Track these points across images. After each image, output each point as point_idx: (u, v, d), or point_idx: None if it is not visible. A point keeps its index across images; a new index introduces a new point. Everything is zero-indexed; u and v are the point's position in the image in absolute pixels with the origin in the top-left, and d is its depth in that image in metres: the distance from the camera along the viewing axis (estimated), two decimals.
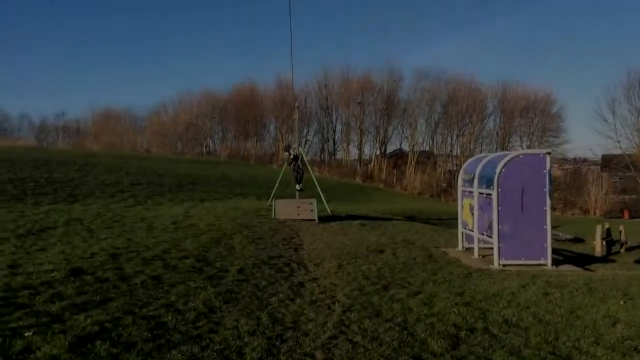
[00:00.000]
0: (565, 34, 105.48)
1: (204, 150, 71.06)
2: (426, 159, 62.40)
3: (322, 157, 67.76)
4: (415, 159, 61.35)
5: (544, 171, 9.58)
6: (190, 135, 72.77)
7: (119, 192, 18.99)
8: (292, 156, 17.13)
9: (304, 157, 19.50)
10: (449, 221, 23.13)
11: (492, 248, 9.85)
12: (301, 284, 7.73)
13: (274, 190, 18.67)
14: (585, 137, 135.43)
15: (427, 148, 66.42)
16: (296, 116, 22.11)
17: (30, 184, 18.05)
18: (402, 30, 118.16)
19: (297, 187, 17.04)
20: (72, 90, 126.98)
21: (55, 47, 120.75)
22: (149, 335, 5.07)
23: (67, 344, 4.65)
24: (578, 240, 21.20)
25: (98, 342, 4.76)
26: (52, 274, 6.94)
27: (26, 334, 4.81)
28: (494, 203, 9.58)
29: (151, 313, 5.78)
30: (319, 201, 17.28)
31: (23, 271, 7.04)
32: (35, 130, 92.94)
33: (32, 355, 4.39)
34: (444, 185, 57.58)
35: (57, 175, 20.98)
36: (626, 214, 46.34)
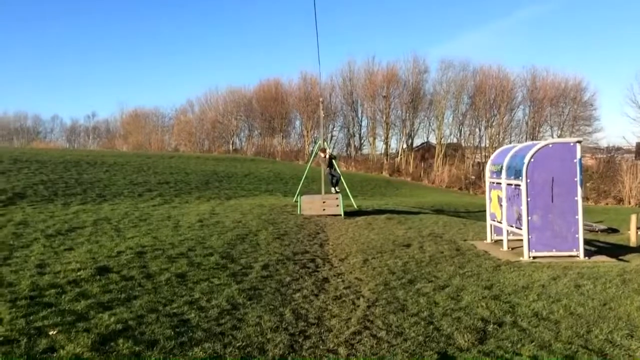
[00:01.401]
0: (595, 20, 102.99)
1: (231, 147, 71.58)
2: (454, 151, 61.67)
3: (348, 152, 67.62)
4: (442, 152, 60.72)
5: (575, 160, 9.30)
6: (217, 133, 73.45)
7: (146, 192, 19.23)
8: (327, 157, 16.87)
9: (331, 152, 19.45)
10: (478, 213, 22.82)
11: (521, 240, 9.61)
12: (325, 280, 7.66)
13: (299, 187, 18.67)
14: (619, 125, 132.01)
15: (455, 140, 65.70)
16: (322, 112, 22.06)
17: (61, 185, 18.39)
18: (427, 20, 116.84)
19: (333, 190, 16.87)
20: (102, 91, 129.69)
21: (84, 48, 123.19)
22: (172, 332, 5.06)
23: (90, 342, 4.67)
24: (612, 230, 20.67)
25: (121, 341, 4.77)
26: (79, 273, 7.01)
27: (51, 333, 4.85)
28: (523, 194, 9.35)
29: (174, 310, 5.78)
30: (345, 196, 17.21)
31: (50, 270, 7.14)
32: (66, 131, 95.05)
33: (55, 354, 4.42)
34: (473, 177, 56.80)
35: (86, 176, 21.35)
36: None
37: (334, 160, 17.13)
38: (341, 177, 17.41)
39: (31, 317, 5.25)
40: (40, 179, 19.21)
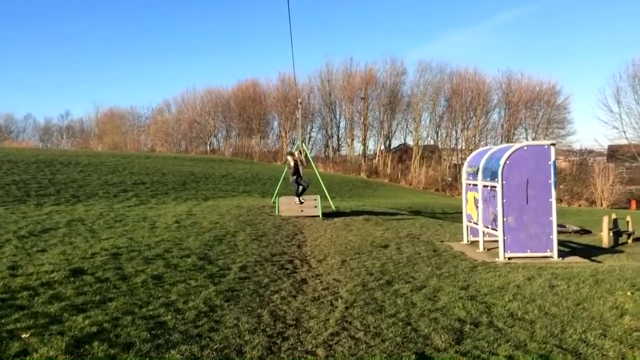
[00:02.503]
0: (569, 24, 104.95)
1: (208, 148, 71.10)
2: (431, 153, 62.24)
3: (326, 153, 67.72)
4: (419, 154, 61.20)
5: (549, 162, 9.44)
6: (194, 134, 72.89)
7: (122, 192, 18.98)
8: (294, 162, 15.54)
9: (309, 154, 19.30)
10: (454, 215, 23.04)
11: (497, 241, 9.74)
12: (304, 281, 7.65)
13: (277, 188, 18.62)
14: (591, 128, 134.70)
15: (432, 142, 66.28)
16: (299, 114, 22.04)
17: (33, 185, 18.05)
18: (405, 22, 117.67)
19: (297, 200, 15.70)
20: (76, 91, 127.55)
21: (58, 47, 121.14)
22: (148, 335, 5.00)
23: (64, 345, 4.58)
24: (585, 231, 21.04)
25: (96, 343, 4.69)
26: (52, 275, 6.88)
27: (23, 336, 4.75)
28: (499, 195, 9.47)
29: (151, 313, 5.71)
30: (323, 197, 17.21)
31: (23, 272, 6.98)
32: (39, 131, 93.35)
33: (28, 358, 4.32)
34: (449, 179, 57.41)
35: (60, 177, 20.99)
36: (633, 204, 46.11)
37: (300, 167, 15.71)
38: (308, 185, 16.00)
39: (3, 320, 5.13)
40: (12, 179, 18.83)
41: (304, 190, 15.90)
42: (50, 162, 25.70)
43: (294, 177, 15.75)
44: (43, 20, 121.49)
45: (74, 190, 18.16)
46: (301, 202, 15.66)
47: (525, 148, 9.58)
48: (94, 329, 5.06)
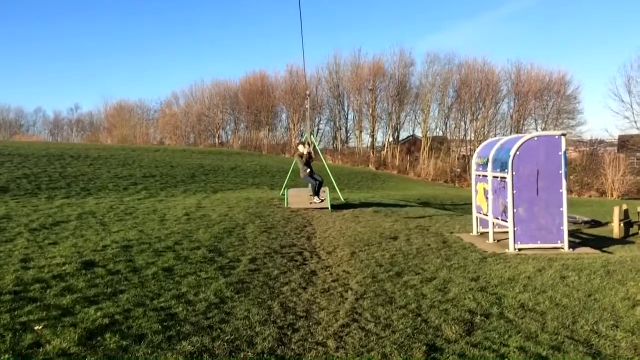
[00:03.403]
0: (579, 14, 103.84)
1: (217, 141, 71.22)
2: (439, 144, 62.00)
3: (334, 145, 67.66)
4: (428, 145, 60.98)
5: (560, 153, 9.37)
6: (203, 127, 73.03)
7: (132, 185, 19.08)
8: (306, 153, 14.90)
9: (317, 146, 19.24)
10: (464, 206, 22.95)
11: (507, 232, 9.69)
12: (313, 273, 7.66)
13: (286, 180, 18.63)
14: (602, 118, 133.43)
15: (440, 133, 66.01)
16: (307, 105, 22.00)
17: (44, 178, 18.18)
18: (414, 13, 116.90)
19: (316, 199, 14.93)
20: (85, 84, 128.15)
21: (67, 41, 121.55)
22: (159, 326, 5.03)
23: (76, 337, 4.62)
24: (595, 222, 20.89)
25: (108, 335, 4.73)
26: (64, 267, 6.93)
27: (36, 328, 4.80)
28: (509, 186, 9.41)
29: (162, 304, 5.74)
30: (332, 189, 17.20)
31: (35, 265, 7.05)
32: (49, 124, 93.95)
33: (41, 349, 4.37)
34: (458, 170, 57.14)
35: (70, 170, 21.12)
36: None
37: (311, 154, 15.09)
38: (323, 181, 15.22)
39: (16, 312, 5.19)
40: (23, 172, 18.97)
41: (320, 185, 15.08)
42: (61, 155, 25.87)
43: (307, 170, 14.83)
44: (52, 14, 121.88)
45: (84, 183, 18.27)
46: (321, 200, 14.88)
47: (536, 138, 9.51)
48: (106, 320, 5.10)
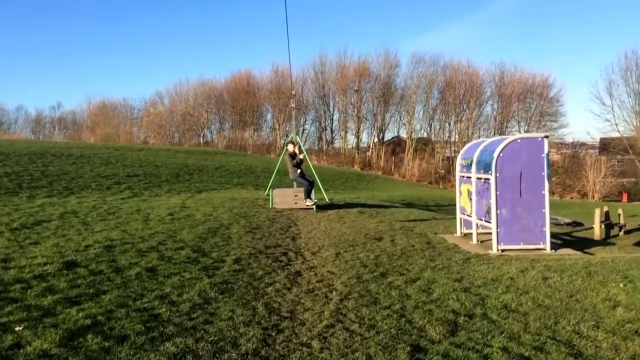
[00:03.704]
0: (562, 17, 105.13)
1: (201, 140, 70.85)
2: (424, 145, 62.36)
3: (319, 145, 67.72)
4: (413, 146, 61.27)
5: (542, 155, 9.47)
6: (187, 126, 72.63)
7: (115, 184, 18.90)
8: (296, 153, 14.56)
9: (302, 146, 19.21)
10: (448, 207, 23.10)
11: (490, 233, 9.77)
12: (298, 273, 7.65)
13: (271, 180, 18.58)
14: (583, 121, 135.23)
15: (425, 135, 66.36)
16: (293, 105, 21.97)
17: (25, 177, 17.93)
18: (399, 13, 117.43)
19: (309, 201, 14.55)
20: (68, 82, 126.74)
21: (51, 38, 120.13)
22: (143, 327, 4.98)
23: (58, 338, 4.56)
24: (577, 224, 21.15)
25: (90, 336, 4.67)
26: (45, 267, 6.84)
27: (17, 329, 4.72)
28: (492, 188, 9.49)
29: (145, 305, 5.69)
30: (317, 190, 17.19)
31: (16, 265, 6.94)
32: (31, 122, 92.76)
33: (22, 350, 4.30)
34: (442, 171, 57.56)
35: (52, 169, 20.86)
36: (625, 197, 46.44)
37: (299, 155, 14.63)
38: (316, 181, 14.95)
39: None
40: (4, 171, 18.69)
41: (312, 186, 14.70)
42: (43, 154, 25.54)
43: (298, 171, 14.40)
44: (34, 10, 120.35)
45: (67, 182, 18.06)
46: (314, 203, 14.60)
47: (519, 140, 9.60)
48: (88, 321, 5.04)
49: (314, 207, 14.84)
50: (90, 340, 4.59)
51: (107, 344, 4.55)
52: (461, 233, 11.58)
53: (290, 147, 14.75)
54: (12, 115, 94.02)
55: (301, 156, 14.78)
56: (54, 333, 4.67)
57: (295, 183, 15.56)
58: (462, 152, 11.85)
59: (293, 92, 22.84)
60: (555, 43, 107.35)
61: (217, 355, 4.47)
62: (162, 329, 5.00)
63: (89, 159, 25.97)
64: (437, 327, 5.27)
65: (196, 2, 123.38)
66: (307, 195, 14.49)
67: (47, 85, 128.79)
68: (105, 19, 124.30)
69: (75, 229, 9.93)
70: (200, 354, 4.48)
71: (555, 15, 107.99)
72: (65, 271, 6.76)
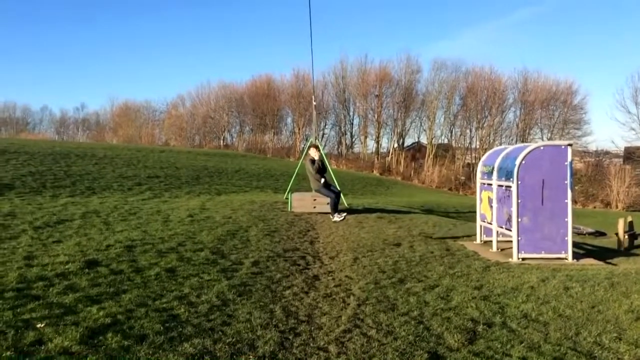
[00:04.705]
0: (588, 23, 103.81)
1: (222, 143, 71.32)
2: (444, 151, 61.94)
3: (339, 150, 67.67)
4: (433, 152, 60.94)
5: (566, 163, 9.35)
6: (208, 129, 73.19)
7: (136, 185, 19.11)
8: (318, 159, 13.06)
9: (322, 150, 19.23)
10: (467, 214, 22.89)
11: (511, 241, 9.66)
12: (316, 277, 7.65)
13: (290, 184, 18.63)
14: (608, 129, 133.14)
15: (446, 141, 65.94)
16: (314, 111, 22.01)
17: (49, 176, 18.23)
18: (421, 19, 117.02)
19: (337, 217, 12.75)
20: (92, 83, 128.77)
21: (76, 40, 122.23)
22: (161, 327, 5.03)
23: (78, 336, 4.62)
24: (600, 233, 20.83)
25: (110, 334, 4.73)
26: (67, 266, 6.95)
27: (38, 326, 4.80)
28: (514, 195, 9.39)
29: (164, 305, 5.74)
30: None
31: (38, 263, 7.06)
32: (55, 123, 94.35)
33: (43, 347, 4.37)
34: (462, 178, 57.13)
35: (75, 169, 21.18)
36: None
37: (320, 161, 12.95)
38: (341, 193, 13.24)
39: (18, 310, 5.19)
40: (29, 170, 19.03)
41: (338, 198, 13.07)
42: (66, 154, 25.93)
43: (322, 180, 12.82)
44: (60, 13, 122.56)
45: (89, 182, 18.32)
46: (343, 218, 12.61)
47: (542, 148, 9.49)
48: (108, 320, 5.10)
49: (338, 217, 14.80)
50: (110, 339, 4.64)
51: (126, 342, 4.60)
52: (481, 240, 11.47)
53: (313, 153, 12.95)
54: (37, 116, 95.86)
55: (316, 156, 12.94)
56: (75, 331, 4.73)
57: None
58: (483, 158, 11.74)
59: (315, 102, 22.88)
60: (581, 50, 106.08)
61: (234, 357, 4.49)
62: (180, 329, 5.03)
63: (112, 160, 26.31)
64: (455, 335, 5.22)
65: (219, 6, 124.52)
66: (334, 209, 12.48)
67: (71, 86, 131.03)
68: (130, 22, 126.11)
69: (96, 228, 10.06)
70: (218, 355, 4.50)
71: (581, 21, 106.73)
72: (87, 270, 6.85)
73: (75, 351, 4.34)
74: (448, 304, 6.39)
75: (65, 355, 4.26)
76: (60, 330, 4.75)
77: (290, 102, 67.80)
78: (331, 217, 12.15)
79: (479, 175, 11.61)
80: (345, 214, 12.17)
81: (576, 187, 47.66)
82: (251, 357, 4.52)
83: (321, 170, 12.44)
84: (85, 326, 4.87)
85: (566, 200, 9.36)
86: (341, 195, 14.39)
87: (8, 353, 4.20)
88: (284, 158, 57.69)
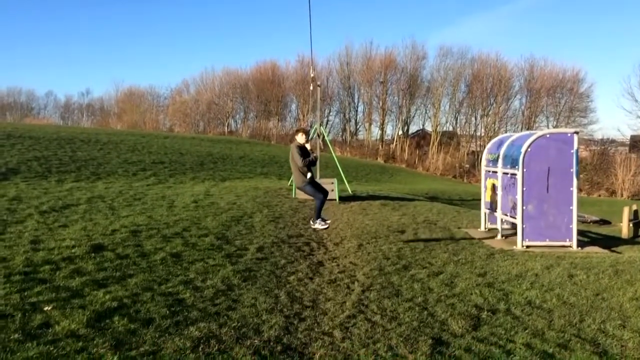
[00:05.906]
0: (595, 10, 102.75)
1: (226, 129, 71.24)
2: (449, 139, 61.69)
3: (343, 137, 67.47)
4: (437, 140, 60.72)
5: (572, 151, 9.31)
6: (212, 115, 73.04)
7: (141, 171, 19.15)
8: (308, 143, 9.04)
9: (326, 136, 19.11)
10: (472, 202, 22.88)
11: (515, 229, 9.66)
12: (320, 263, 7.68)
13: None
14: (614, 117, 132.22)
15: (450, 128, 65.59)
16: (318, 95, 21.90)
17: (54, 161, 18.28)
18: (426, 5, 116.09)
19: (319, 223, 8.86)
20: (96, 69, 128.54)
21: (81, 25, 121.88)
22: (167, 311, 5.07)
23: (85, 319, 4.67)
24: (604, 222, 20.79)
25: (116, 318, 4.77)
26: (73, 250, 6.99)
27: (46, 309, 4.85)
28: (519, 183, 9.36)
29: (170, 290, 5.78)
30: (340, 181, 17.19)
31: (45, 247, 7.11)
32: (60, 108, 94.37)
33: (50, 330, 4.41)
34: (467, 166, 56.93)
35: (80, 154, 21.22)
36: None
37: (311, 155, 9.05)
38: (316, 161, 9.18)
39: (26, 293, 5.24)
40: (34, 155, 19.09)
41: (325, 198, 9.13)
42: (71, 139, 25.97)
43: (308, 175, 8.99)
44: None
45: (94, 167, 18.36)
46: (327, 227, 9.22)
47: (548, 136, 9.45)
48: (115, 304, 5.14)
49: (337, 199, 14.80)
50: (116, 322, 4.68)
51: (133, 326, 4.63)
52: (485, 228, 11.47)
53: (300, 138, 9.11)
54: (41, 101, 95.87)
55: (303, 141, 9.20)
56: (82, 314, 4.77)
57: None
58: (488, 146, 11.70)
59: (317, 81, 22.67)
60: (588, 37, 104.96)
61: (240, 341, 4.52)
62: (186, 313, 5.07)
63: (116, 145, 26.33)
64: (459, 321, 5.24)
65: None
66: (318, 214, 9.12)
67: (76, 71, 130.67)
68: (134, 7, 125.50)
69: (102, 213, 10.10)
70: (224, 339, 4.53)
71: (588, 9, 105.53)
72: (93, 254, 6.90)
73: (82, 334, 4.38)
74: (452, 290, 6.41)
75: (73, 338, 4.30)
76: (67, 313, 4.79)
77: (294, 89, 67.49)
78: (311, 222, 9.32)
79: (484, 162, 11.58)
80: (329, 221, 9.43)
81: (581, 175, 47.50)
82: (256, 341, 4.54)
83: (309, 163, 8.93)
84: (92, 309, 4.91)
85: (571, 188, 9.33)
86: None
87: (16, 335, 4.24)
88: (288, 145, 57.62)
